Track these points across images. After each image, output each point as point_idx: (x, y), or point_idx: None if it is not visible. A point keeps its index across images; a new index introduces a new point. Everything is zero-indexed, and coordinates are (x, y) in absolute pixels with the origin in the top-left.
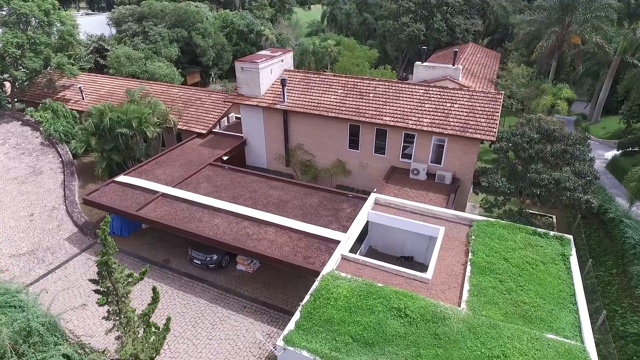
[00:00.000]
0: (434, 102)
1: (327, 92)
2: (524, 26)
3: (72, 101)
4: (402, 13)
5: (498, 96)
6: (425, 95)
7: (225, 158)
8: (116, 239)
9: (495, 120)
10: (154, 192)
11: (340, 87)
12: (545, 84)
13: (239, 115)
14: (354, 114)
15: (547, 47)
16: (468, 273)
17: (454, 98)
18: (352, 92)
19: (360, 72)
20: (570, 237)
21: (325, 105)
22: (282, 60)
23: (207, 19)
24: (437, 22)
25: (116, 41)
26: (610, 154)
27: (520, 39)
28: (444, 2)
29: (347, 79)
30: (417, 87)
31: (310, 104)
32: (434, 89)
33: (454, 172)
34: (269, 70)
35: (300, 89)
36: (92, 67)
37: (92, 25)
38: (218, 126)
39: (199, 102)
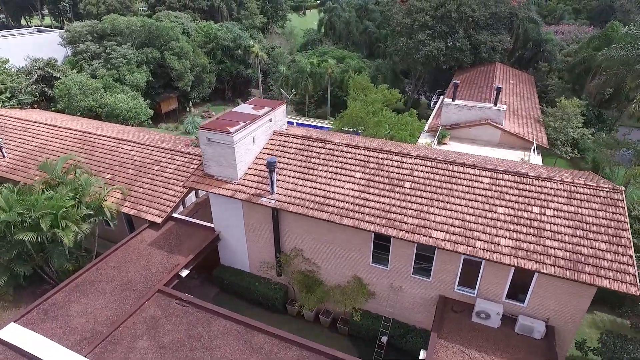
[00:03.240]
0: (511, 203)
1: (338, 177)
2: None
3: None
4: (417, 29)
5: (617, 196)
6: (495, 188)
7: (184, 274)
8: None
9: (626, 248)
10: None
11: (358, 167)
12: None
13: None
14: (381, 220)
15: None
16: None
17: (543, 195)
18: (378, 177)
19: (379, 124)
20: None
21: (336, 201)
22: (271, 120)
23: (186, 33)
24: (459, 39)
25: (70, 66)
26: None
27: (569, 66)
28: (467, 15)
29: (368, 153)
30: (477, 170)
31: (312, 197)
32: (506, 175)
33: (547, 318)
34: (250, 140)
35: (298, 169)
36: (35, 100)
37: (39, 46)
38: (182, 204)
39: (157, 168)
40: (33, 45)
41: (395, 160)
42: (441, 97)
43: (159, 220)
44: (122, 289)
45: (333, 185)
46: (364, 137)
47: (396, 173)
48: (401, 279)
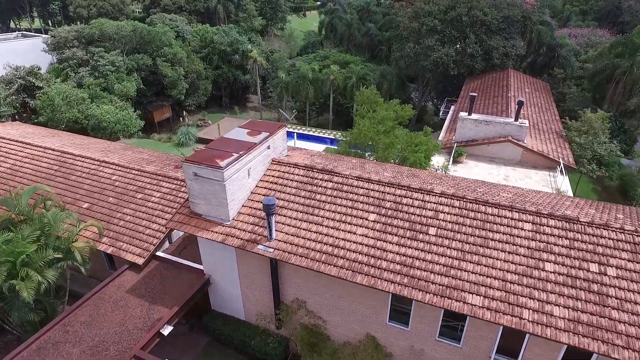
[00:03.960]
0: (561, 258)
1: (349, 219)
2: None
3: None
4: (425, 34)
5: None
6: (539, 237)
7: (167, 331)
8: None
9: None
10: None
11: (372, 206)
12: None
13: None
14: (402, 278)
15: None
16: None
17: (601, 248)
18: (396, 220)
19: (391, 146)
20: None
21: (346, 251)
22: (269, 147)
23: (182, 37)
24: (470, 45)
25: (54, 74)
26: None
27: (589, 74)
28: (478, 19)
29: (383, 189)
30: (516, 212)
31: (318, 245)
32: (551, 220)
33: None
34: (245, 173)
35: (301, 208)
36: (16, 112)
37: (22, 52)
38: (168, 239)
39: (140, 196)
40: (16, 51)
41: (416, 199)
42: (452, 108)
43: (140, 261)
44: (92, 353)
45: (343, 230)
46: (375, 163)
47: (418, 215)
48: (424, 341)
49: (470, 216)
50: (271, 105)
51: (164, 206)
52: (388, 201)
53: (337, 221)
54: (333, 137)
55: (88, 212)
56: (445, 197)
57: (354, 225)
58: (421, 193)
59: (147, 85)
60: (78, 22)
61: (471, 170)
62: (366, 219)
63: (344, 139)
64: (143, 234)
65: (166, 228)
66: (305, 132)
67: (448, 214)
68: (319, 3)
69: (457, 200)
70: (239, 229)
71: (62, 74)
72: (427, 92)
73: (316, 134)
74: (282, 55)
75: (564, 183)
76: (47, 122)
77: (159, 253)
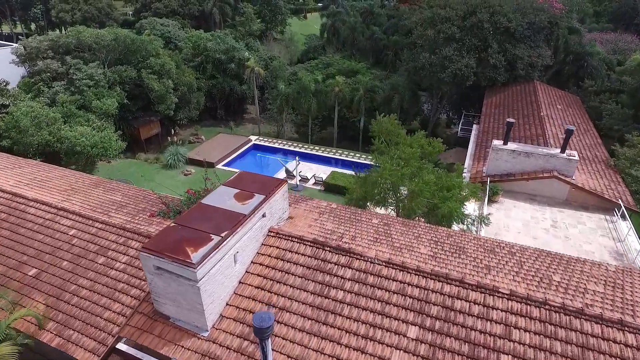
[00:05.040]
0: None
1: (378, 333)
2: None
3: None
4: (442, 43)
5: None
6: None
7: None
8: None
9: None
10: None
11: (411, 314)
12: None
13: None
14: None
15: None
16: None
17: None
18: (448, 340)
19: (419, 194)
20: None
21: None
22: (265, 215)
23: (174, 43)
24: (492, 54)
25: (24, 89)
26: None
27: (630, 89)
28: (502, 26)
29: (424, 282)
30: (629, 333)
31: None
32: None
33: None
34: (229, 261)
35: (309, 312)
36: None
37: None
38: None
39: (102, 260)
40: None
41: (474, 302)
42: (475, 127)
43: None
44: None
45: (371, 355)
46: (402, 223)
47: (480, 332)
48: None
49: (561, 337)
50: (270, 118)
51: (130, 276)
52: (434, 304)
53: (362, 337)
54: (338, 157)
55: (34, 283)
56: (516, 301)
57: (387, 345)
58: (480, 292)
59: (132, 99)
60: (63, 28)
61: (509, 212)
62: (404, 335)
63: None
64: (101, 317)
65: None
66: (309, 152)
67: (526, 330)
68: (320, 5)
69: (537, 307)
70: (220, 345)
71: (33, 89)
72: (441, 106)
73: (320, 152)
74: (282, 62)
75: (628, 232)
76: (13, 146)
77: (120, 345)
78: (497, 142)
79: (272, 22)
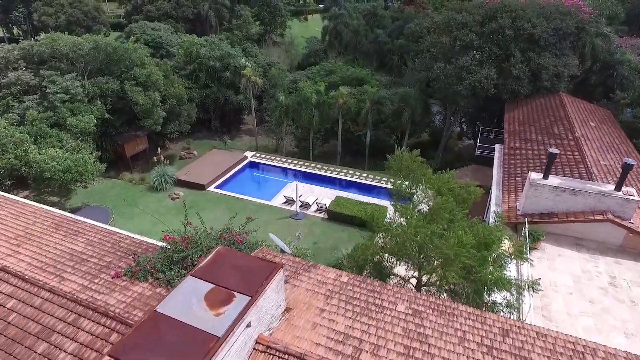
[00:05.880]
0: None
1: None
2: None
3: None
4: (458, 51)
5: None
6: None
7: None
8: None
9: None
10: None
11: None
12: None
13: None
14: None
15: None
16: None
17: None
18: None
19: (455, 258)
20: None
21: None
22: (249, 325)
23: (167, 48)
24: (515, 64)
25: None
26: None
27: None
28: (526, 32)
29: None
30: None
31: None
32: None
33: None
34: None
35: None
36: None
37: None
38: None
39: (42, 347)
40: None
41: None
42: (498, 148)
43: None
44: None
45: None
46: (438, 309)
47: None
48: None
49: None
50: (269, 130)
51: None
52: None
53: None
54: (343, 177)
55: None
56: None
57: None
58: None
59: (116, 113)
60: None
61: (554, 263)
62: None
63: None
64: None
65: None
66: (310, 170)
67: None
68: (321, 6)
69: None
70: None
71: (1, 104)
72: (455, 119)
73: (323, 172)
74: (281, 69)
75: None
76: None
77: None
78: (535, 176)
79: (272, 24)
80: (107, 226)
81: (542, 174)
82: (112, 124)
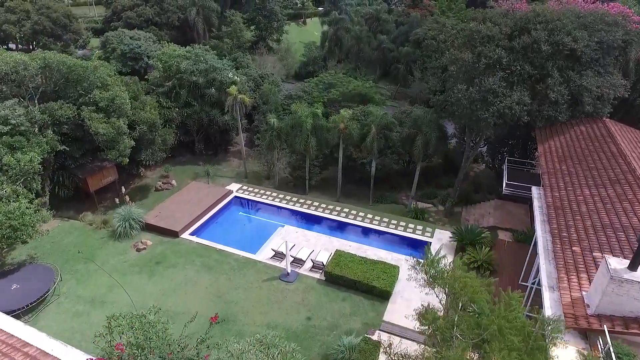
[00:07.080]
0: None
1: None
2: None
3: None
4: (483, 70)
5: None
6: None
7: None
8: None
9: None
10: None
11: None
12: None
13: None
14: None
15: None
16: None
17: None
18: None
19: None
20: None
21: None
22: None
23: (147, 57)
24: (553, 86)
25: None
26: None
27: None
28: (566, 47)
29: None
30: None
31: None
32: None
33: None
34: None
35: None
36: None
37: None
38: None
39: None
40: None
41: None
42: (537, 193)
43: None
44: None
45: None
46: None
47: None
48: None
49: None
50: (258, 154)
51: None
52: None
53: None
54: (343, 220)
55: None
56: None
57: None
58: None
59: (75, 142)
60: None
61: None
62: None
63: None
64: None
65: None
66: (304, 210)
67: None
68: (320, 9)
69: None
70: None
71: None
72: (477, 147)
73: (320, 212)
74: (274, 83)
75: None
76: None
77: None
78: (616, 265)
79: (267, 29)
80: (15, 328)
81: (625, 260)
82: (70, 155)
